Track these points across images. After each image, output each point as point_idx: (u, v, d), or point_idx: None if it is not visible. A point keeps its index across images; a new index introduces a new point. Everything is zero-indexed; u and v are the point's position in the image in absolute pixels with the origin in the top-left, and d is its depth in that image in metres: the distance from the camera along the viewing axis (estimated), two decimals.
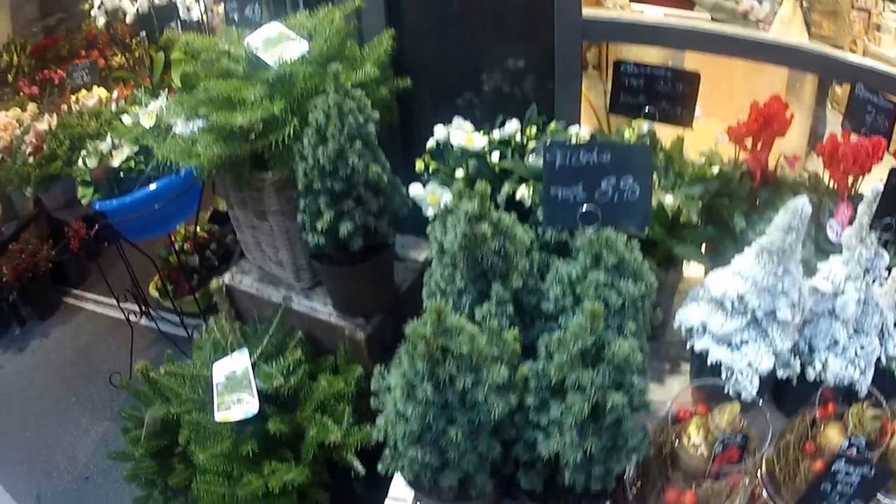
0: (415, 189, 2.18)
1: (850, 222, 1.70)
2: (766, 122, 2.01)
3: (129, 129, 2.88)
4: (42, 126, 3.27)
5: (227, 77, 2.23)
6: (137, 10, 3.65)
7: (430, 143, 2.25)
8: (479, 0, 2.47)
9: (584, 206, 1.59)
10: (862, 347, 1.68)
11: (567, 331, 1.42)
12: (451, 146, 2.22)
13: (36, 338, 4.45)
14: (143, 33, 3.55)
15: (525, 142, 2.20)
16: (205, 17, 3.28)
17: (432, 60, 2.59)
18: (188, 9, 3.33)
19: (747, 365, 1.66)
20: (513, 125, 2.21)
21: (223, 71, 2.26)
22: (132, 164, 2.87)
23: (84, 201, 2.91)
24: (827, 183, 2.05)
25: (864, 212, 1.59)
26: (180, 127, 2.68)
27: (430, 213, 2.16)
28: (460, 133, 2.19)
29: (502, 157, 2.13)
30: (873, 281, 1.66)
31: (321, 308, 2.48)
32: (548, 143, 1.64)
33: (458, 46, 2.58)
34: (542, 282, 1.70)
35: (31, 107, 4.04)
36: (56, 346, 4.36)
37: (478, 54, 2.56)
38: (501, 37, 2.51)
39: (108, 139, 2.91)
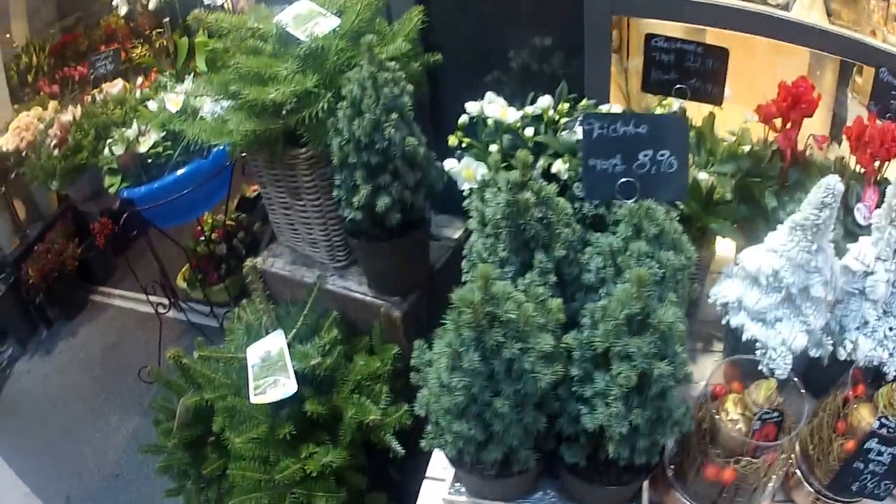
0: (450, 163, 2.12)
1: (878, 206, 1.70)
2: (794, 102, 1.96)
3: (155, 114, 2.83)
4: (66, 118, 3.21)
5: (257, 54, 2.17)
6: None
7: (463, 119, 2.20)
8: None
9: (623, 177, 1.59)
10: (891, 329, 1.66)
11: (613, 298, 1.39)
12: (485, 121, 2.18)
13: (63, 338, 4.39)
14: (167, 20, 3.50)
15: (557, 118, 2.15)
16: (229, 3, 3.22)
17: (461, 37, 2.52)
18: None
19: (781, 343, 1.64)
20: (545, 100, 2.16)
21: (253, 48, 2.19)
22: (160, 149, 2.80)
23: (111, 190, 2.85)
24: (853, 167, 1.99)
25: (894, 194, 1.57)
26: (208, 108, 2.64)
27: (465, 187, 2.10)
28: (495, 106, 2.14)
29: (536, 132, 2.09)
30: None
31: (356, 287, 2.40)
32: (585, 114, 1.63)
33: (487, 23, 2.51)
34: (581, 254, 1.66)
35: (53, 104, 4.01)
36: (84, 344, 4.29)
37: (506, 31, 2.50)
38: (530, 12, 2.44)
39: (135, 126, 2.84)
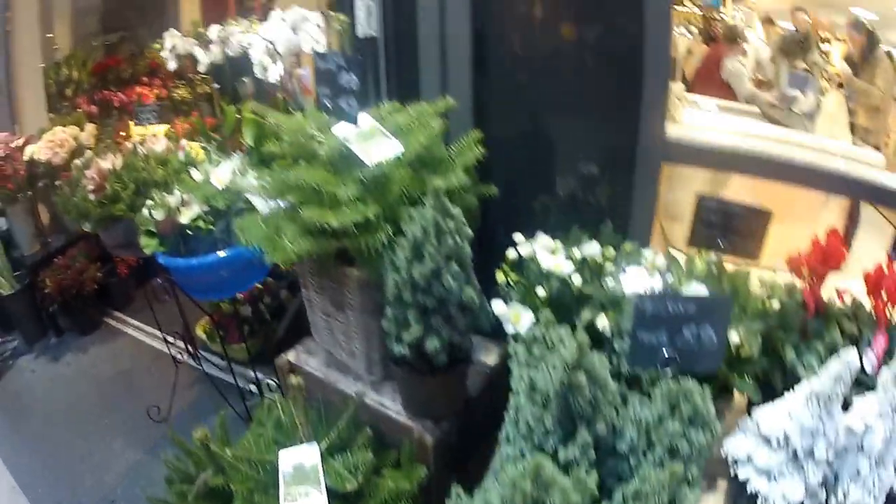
0: (498, 307, 2.12)
1: (886, 352, 1.81)
2: (824, 259, 2.01)
3: (199, 186, 2.81)
4: (106, 164, 3.19)
5: (313, 162, 2.19)
6: (211, 60, 3.56)
7: (511, 255, 2.23)
8: (565, 111, 2.44)
9: (667, 349, 1.66)
10: (880, 479, 1.69)
11: (646, 482, 1.47)
12: (533, 261, 2.20)
13: (73, 351, 4.36)
14: (217, 86, 3.47)
15: (602, 261, 2.18)
16: (282, 80, 3.21)
17: (512, 164, 2.54)
18: (265, 68, 3.25)
19: (781, 496, 1.67)
20: (593, 248, 2.18)
21: (310, 156, 2.21)
22: (201, 223, 2.75)
23: (147, 251, 2.79)
24: (869, 310, 2.02)
25: None
26: (255, 199, 2.64)
27: (510, 329, 2.12)
28: (546, 254, 2.16)
29: (583, 280, 2.12)
30: None
31: (390, 404, 2.39)
32: (639, 297, 1.68)
33: (540, 153, 2.54)
34: (617, 416, 1.70)
35: (90, 127, 3.98)
36: (94, 362, 4.25)
37: (558, 161, 2.53)
38: (583, 149, 2.47)
39: (177, 193, 2.80)
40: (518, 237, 2.26)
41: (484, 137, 2.33)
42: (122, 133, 3.99)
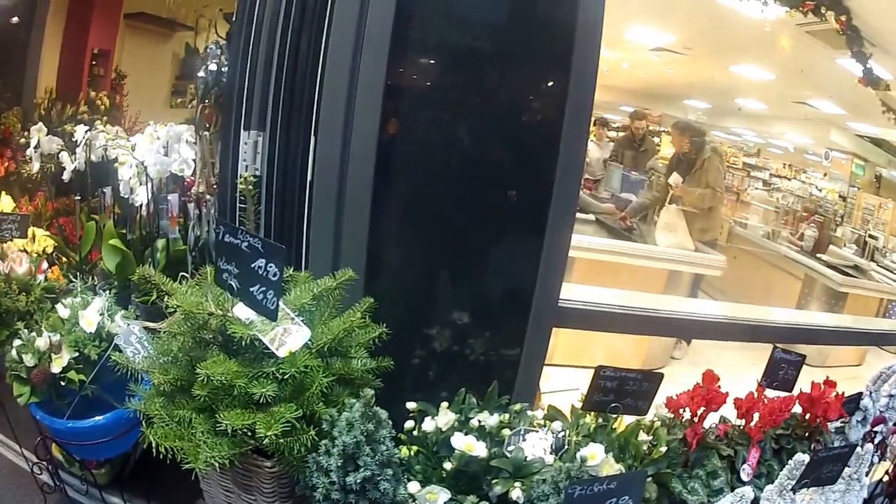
0: (413, 487, 2.01)
1: (758, 462, 2.12)
2: (707, 403, 2.18)
3: (67, 328, 2.45)
4: None
5: (213, 347, 1.96)
6: (76, 167, 3.12)
7: (409, 424, 2.11)
8: (456, 267, 2.34)
9: None
10: None
11: None
12: (437, 431, 2.10)
13: None
14: (77, 198, 3.06)
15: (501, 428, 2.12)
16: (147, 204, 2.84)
17: (399, 323, 2.25)
18: (131, 190, 2.87)
19: None
20: (494, 419, 2.11)
21: (212, 340, 1.98)
22: (73, 374, 2.39)
23: (21, 400, 2.40)
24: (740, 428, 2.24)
25: (787, 476, 1.90)
26: (125, 339, 2.35)
27: None
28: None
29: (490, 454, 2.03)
30: None
31: None
32: (569, 483, 1.77)
33: (428, 311, 2.42)
34: None
35: None
36: None
37: (446, 319, 2.41)
38: (475, 313, 2.38)
39: (45, 336, 2.41)
40: (411, 406, 2.16)
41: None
42: None
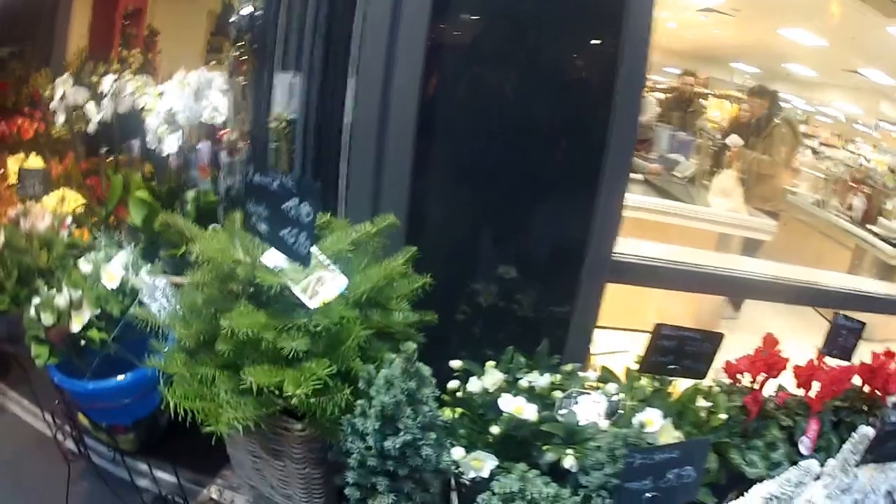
0: (457, 453, 1.78)
1: (818, 434, 1.94)
2: (769, 368, 1.99)
3: (89, 284, 2.21)
4: None
5: (241, 299, 1.69)
6: (102, 119, 2.89)
7: (452, 385, 1.87)
8: (506, 221, 2.10)
9: (649, 493, 1.53)
10: None
11: None
12: (483, 392, 1.87)
13: None
14: (104, 150, 2.85)
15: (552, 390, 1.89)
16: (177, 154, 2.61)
17: (444, 277, 2.01)
18: (159, 139, 2.66)
19: None
20: (544, 380, 1.87)
21: (240, 291, 1.74)
22: (94, 332, 2.16)
23: (39, 362, 2.19)
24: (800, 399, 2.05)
25: (851, 450, 1.68)
26: (149, 295, 2.14)
27: (471, 475, 1.78)
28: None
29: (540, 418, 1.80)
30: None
31: None
32: (631, 450, 1.56)
33: (474, 266, 2.17)
34: None
35: None
36: None
37: (493, 275, 2.17)
38: (524, 268, 2.13)
39: (65, 292, 2.18)
40: (455, 364, 1.91)
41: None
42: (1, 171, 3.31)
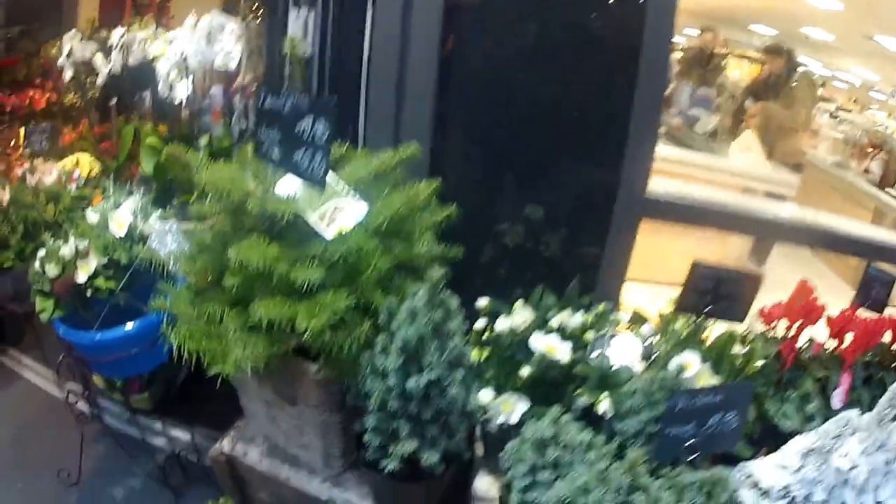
0: (486, 396, 1.58)
1: (850, 388, 1.77)
2: (806, 315, 1.84)
3: (96, 233, 2.02)
4: None
5: (252, 232, 1.48)
6: (110, 70, 2.70)
7: (479, 325, 1.68)
8: (532, 157, 1.89)
9: (691, 440, 1.42)
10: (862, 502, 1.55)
11: None
12: (511, 332, 1.66)
13: None
14: (114, 100, 2.65)
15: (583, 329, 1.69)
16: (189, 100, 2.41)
17: (468, 213, 1.80)
18: (171, 86, 2.46)
19: None
20: (576, 320, 1.67)
21: (247, 224, 1.53)
22: (101, 281, 1.98)
23: (43, 316, 2.00)
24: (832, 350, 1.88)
25: (887, 404, 1.51)
26: (159, 240, 1.96)
27: (500, 420, 1.58)
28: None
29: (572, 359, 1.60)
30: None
31: (357, 501, 1.66)
32: (673, 394, 1.41)
33: (500, 202, 1.96)
34: None
35: None
36: None
37: (520, 212, 1.96)
38: (553, 206, 1.93)
39: (71, 242, 1.99)
40: (482, 303, 1.71)
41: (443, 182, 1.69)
42: (12, 141, 3.13)
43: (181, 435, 2.56)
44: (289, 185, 1.53)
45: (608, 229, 1.85)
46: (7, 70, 3.82)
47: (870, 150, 4.46)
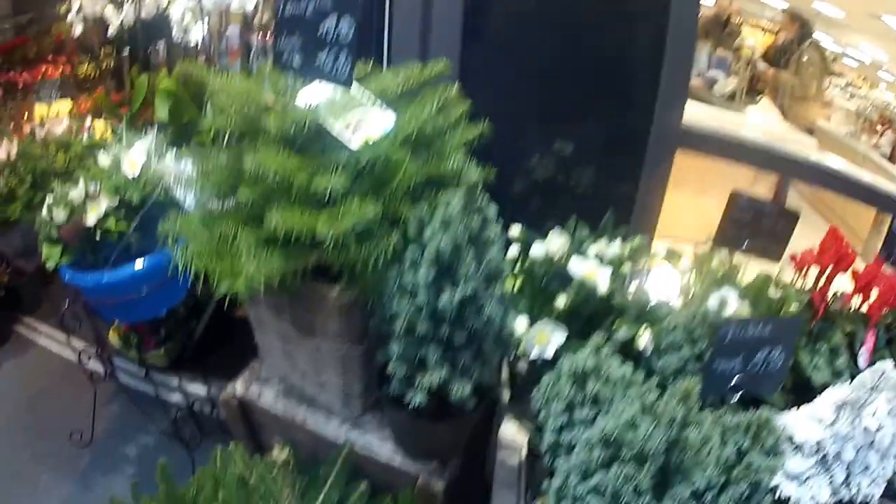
0: (521, 324, 1.41)
1: (875, 347, 1.64)
2: (838, 261, 1.69)
3: (107, 174, 1.85)
4: None
5: (270, 144, 1.30)
6: (122, 22, 2.54)
7: (512, 253, 1.51)
8: (565, 83, 1.71)
9: (737, 377, 1.33)
10: (884, 470, 1.47)
11: None
12: (546, 260, 1.49)
13: None
14: (126, 50, 2.50)
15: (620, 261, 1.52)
16: (205, 42, 2.24)
17: (498, 140, 1.61)
18: (185, 30, 2.29)
19: (810, 498, 1.41)
20: (614, 249, 1.50)
21: (269, 137, 1.36)
22: (111, 223, 1.81)
23: (49, 264, 1.83)
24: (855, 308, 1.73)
25: None
26: (180, 191, 1.79)
27: (534, 353, 1.40)
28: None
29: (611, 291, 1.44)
30: None
31: (377, 444, 1.51)
32: (725, 323, 1.31)
33: (532, 129, 1.77)
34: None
35: None
36: (8, 387, 2.91)
37: (553, 141, 1.78)
38: (587, 137, 1.75)
39: (81, 185, 1.83)
40: (514, 232, 1.55)
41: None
42: (25, 114, 2.97)
43: (197, 390, 2.40)
44: (310, 96, 1.36)
45: (643, 162, 1.67)
46: (19, 49, 3.66)
47: (879, 126, 4.29)
